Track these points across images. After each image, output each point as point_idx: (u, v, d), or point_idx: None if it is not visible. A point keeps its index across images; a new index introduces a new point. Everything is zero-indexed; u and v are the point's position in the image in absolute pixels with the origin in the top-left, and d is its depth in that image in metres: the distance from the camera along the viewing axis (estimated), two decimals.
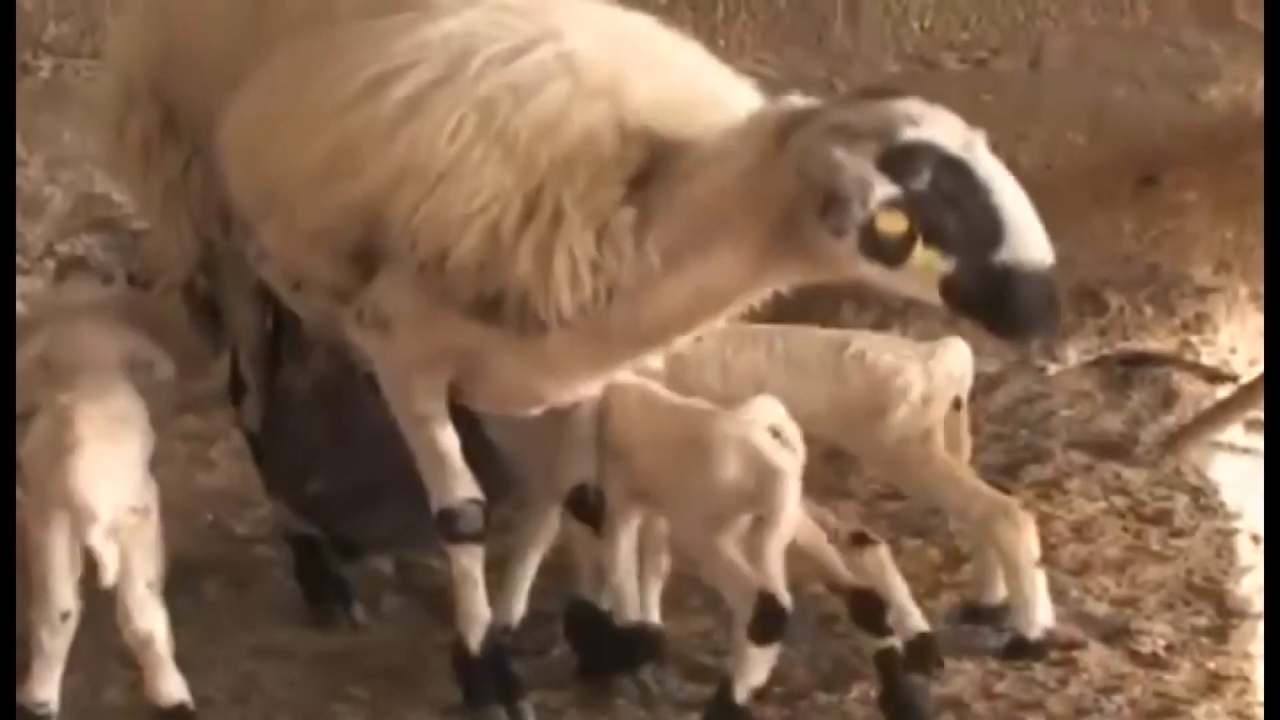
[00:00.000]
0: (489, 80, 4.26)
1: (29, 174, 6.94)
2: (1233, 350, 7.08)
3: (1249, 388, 6.41)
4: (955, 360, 5.04)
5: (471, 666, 4.66)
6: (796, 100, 4.18)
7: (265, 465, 5.38)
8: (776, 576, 4.48)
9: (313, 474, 5.30)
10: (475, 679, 4.67)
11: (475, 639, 4.64)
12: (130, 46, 5.10)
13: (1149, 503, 5.99)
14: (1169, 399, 6.73)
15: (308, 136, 4.38)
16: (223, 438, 6.10)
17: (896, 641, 4.68)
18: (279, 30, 4.64)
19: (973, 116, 4.17)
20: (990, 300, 4.02)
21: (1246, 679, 4.90)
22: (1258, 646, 5.03)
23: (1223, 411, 6.44)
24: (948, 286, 4.02)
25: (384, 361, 4.58)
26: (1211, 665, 4.99)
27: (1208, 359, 7.02)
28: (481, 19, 4.38)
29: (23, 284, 6.81)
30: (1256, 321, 7.04)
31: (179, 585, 5.34)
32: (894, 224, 3.98)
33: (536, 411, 4.70)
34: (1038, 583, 4.99)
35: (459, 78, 4.27)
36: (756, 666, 4.50)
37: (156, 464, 5.63)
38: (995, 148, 4.12)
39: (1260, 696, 4.79)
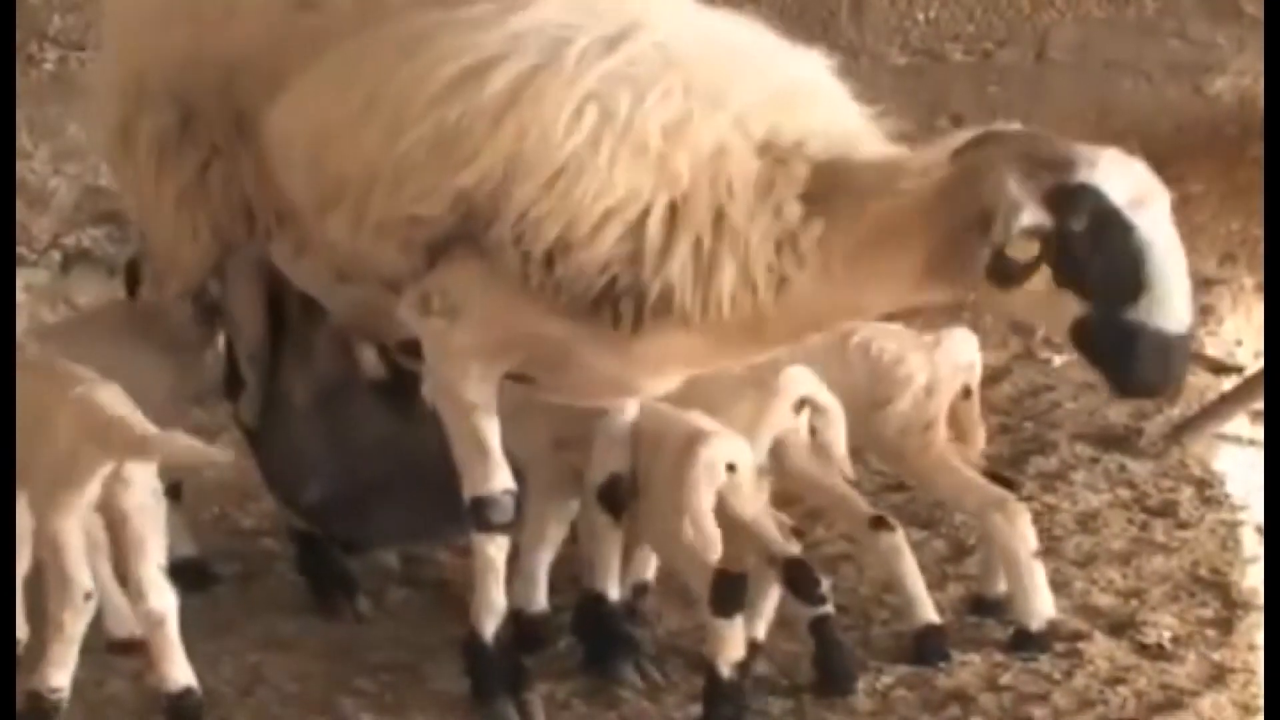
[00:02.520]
0: (593, 69, 4.27)
1: (34, 166, 6.94)
2: (1238, 342, 7.09)
3: (1254, 379, 6.41)
4: (960, 350, 5.05)
5: (483, 657, 4.66)
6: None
7: (264, 465, 5.39)
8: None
9: (311, 480, 5.29)
10: (485, 670, 4.67)
11: (490, 629, 4.63)
12: (142, 47, 5.03)
13: (1154, 494, 6.00)
14: (1174, 391, 6.72)
15: (394, 129, 4.36)
16: (227, 430, 6.09)
17: (829, 609, 4.74)
18: (326, 27, 4.62)
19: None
20: (1113, 353, 4.10)
21: (1251, 670, 4.90)
22: (1263, 638, 5.03)
23: (1228, 403, 6.44)
24: (1078, 329, 4.10)
25: (443, 348, 4.55)
26: (1216, 657, 4.99)
27: (1213, 351, 7.02)
28: (565, 10, 4.38)
29: (28, 276, 6.84)
30: (1262, 313, 7.04)
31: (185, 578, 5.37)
32: (1024, 250, 4.05)
33: (613, 402, 4.73)
34: (1036, 574, 4.99)
35: (559, 65, 4.28)
36: (730, 639, 4.55)
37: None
38: None
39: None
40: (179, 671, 4.62)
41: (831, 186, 4.25)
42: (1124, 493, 6.01)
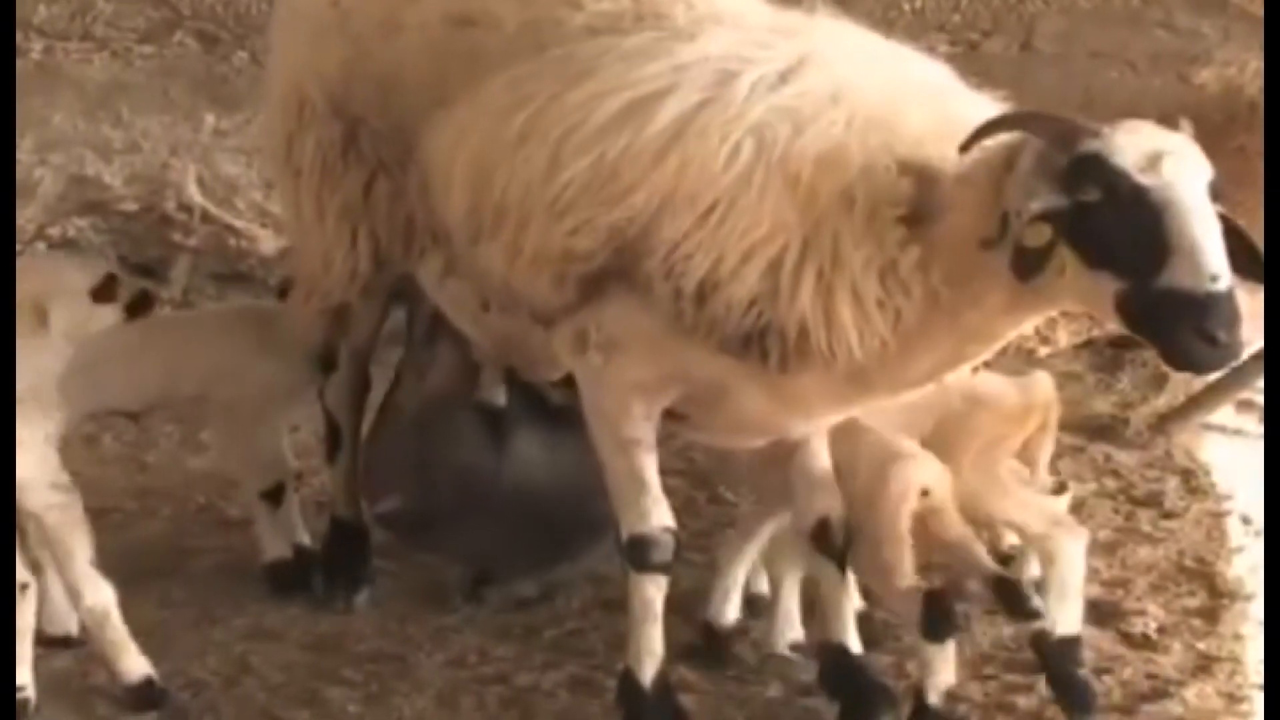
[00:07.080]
0: (761, 103, 4.13)
1: (19, 156, 6.92)
2: None
3: (1239, 369, 6.41)
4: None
5: (641, 702, 4.51)
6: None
7: (363, 462, 5.36)
8: None
9: (391, 489, 5.27)
10: (641, 715, 4.52)
11: (648, 674, 4.49)
12: (305, 63, 4.97)
13: (1140, 484, 6.00)
14: (1159, 381, 6.73)
15: (555, 161, 4.24)
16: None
17: (1045, 624, 4.64)
18: (487, 46, 4.54)
19: None
20: (1153, 325, 3.90)
21: (1237, 660, 4.91)
22: (1248, 628, 5.05)
23: (1213, 393, 6.45)
24: (1121, 308, 3.90)
25: (601, 384, 4.43)
26: (1202, 646, 5.00)
27: None
28: (739, 39, 4.26)
29: None
30: (1246, 302, 7.03)
31: (171, 568, 5.37)
32: (1036, 237, 3.92)
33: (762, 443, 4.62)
34: None
35: (727, 99, 4.14)
36: (940, 665, 4.49)
37: (147, 449, 5.67)
38: None
39: (1251, 678, 4.81)
40: (133, 662, 4.62)
41: (922, 206, 4.09)
42: (1110, 482, 6.02)
